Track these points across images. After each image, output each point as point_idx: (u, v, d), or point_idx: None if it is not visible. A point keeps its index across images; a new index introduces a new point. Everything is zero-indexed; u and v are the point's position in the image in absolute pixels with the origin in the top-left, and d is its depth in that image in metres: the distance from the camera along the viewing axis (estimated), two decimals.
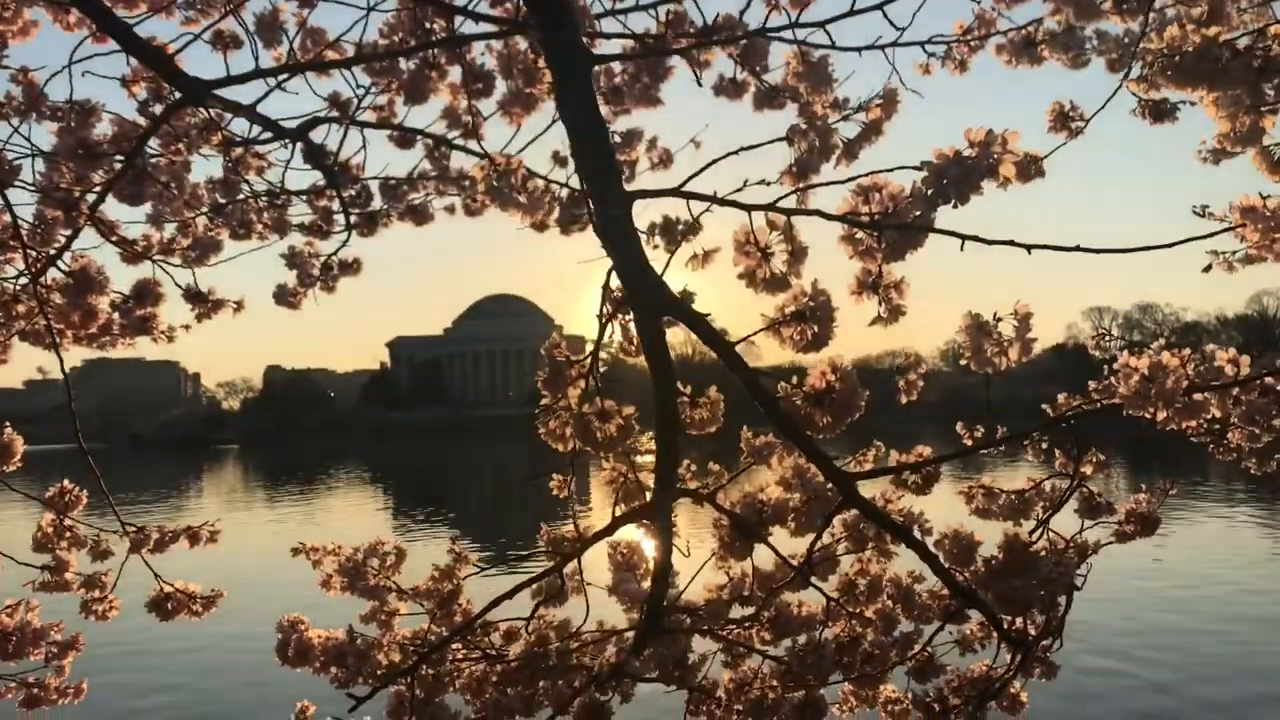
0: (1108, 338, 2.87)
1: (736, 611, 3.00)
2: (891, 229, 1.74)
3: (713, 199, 1.95)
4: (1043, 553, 2.35)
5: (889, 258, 1.81)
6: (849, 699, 3.19)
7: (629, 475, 2.54)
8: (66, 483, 2.82)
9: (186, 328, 3.61)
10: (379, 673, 2.87)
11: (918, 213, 1.72)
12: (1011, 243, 1.84)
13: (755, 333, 1.89)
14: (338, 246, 4.04)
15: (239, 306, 3.49)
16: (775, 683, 2.96)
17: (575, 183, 3.66)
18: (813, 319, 1.84)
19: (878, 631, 2.92)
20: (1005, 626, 2.70)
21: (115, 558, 3.02)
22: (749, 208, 1.90)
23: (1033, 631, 2.80)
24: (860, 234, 1.82)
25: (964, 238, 1.80)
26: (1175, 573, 17.21)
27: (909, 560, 2.82)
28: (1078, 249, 1.84)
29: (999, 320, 1.91)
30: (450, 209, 4.16)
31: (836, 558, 2.84)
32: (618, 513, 2.50)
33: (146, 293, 3.36)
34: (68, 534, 2.76)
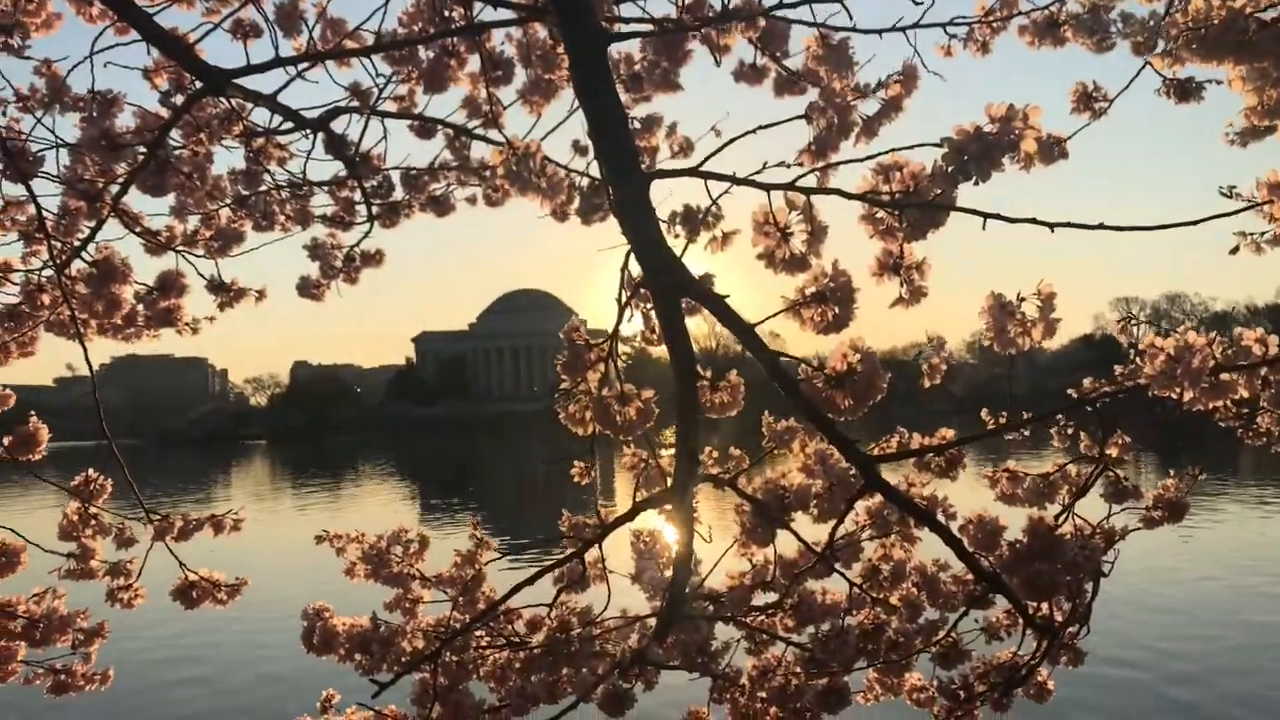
0: (1134, 322, 2.84)
1: (759, 599, 2.99)
2: (913, 208, 1.73)
3: (731, 179, 1.94)
4: (1068, 537, 2.32)
5: (910, 237, 1.80)
6: (874, 687, 3.17)
7: (650, 461, 2.54)
8: (91, 471, 2.84)
9: (210, 319, 3.63)
10: (403, 660, 2.88)
11: (939, 191, 1.70)
12: (1035, 221, 1.82)
13: (775, 314, 1.87)
14: (360, 238, 4.05)
15: (261, 295, 3.50)
16: (799, 670, 2.95)
17: (596, 171, 3.66)
18: (833, 300, 1.83)
19: (902, 619, 2.90)
20: (1031, 613, 2.67)
21: (140, 547, 3.05)
22: (768, 187, 1.88)
23: (1059, 618, 2.78)
24: (881, 213, 1.80)
25: (986, 216, 1.78)
26: (1202, 561, 17.07)
27: (933, 547, 2.80)
28: (1101, 226, 1.82)
29: (1022, 300, 1.89)
30: (472, 200, 4.16)
31: (860, 545, 2.82)
32: (639, 498, 2.49)
33: (170, 284, 3.37)
34: (93, 521, 2.78)
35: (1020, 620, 2.82)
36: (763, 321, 1.92)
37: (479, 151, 3.89)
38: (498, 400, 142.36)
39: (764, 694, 3.11)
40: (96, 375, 3.13)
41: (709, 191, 2.02)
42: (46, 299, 2.88)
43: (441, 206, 4.08)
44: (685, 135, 3.72)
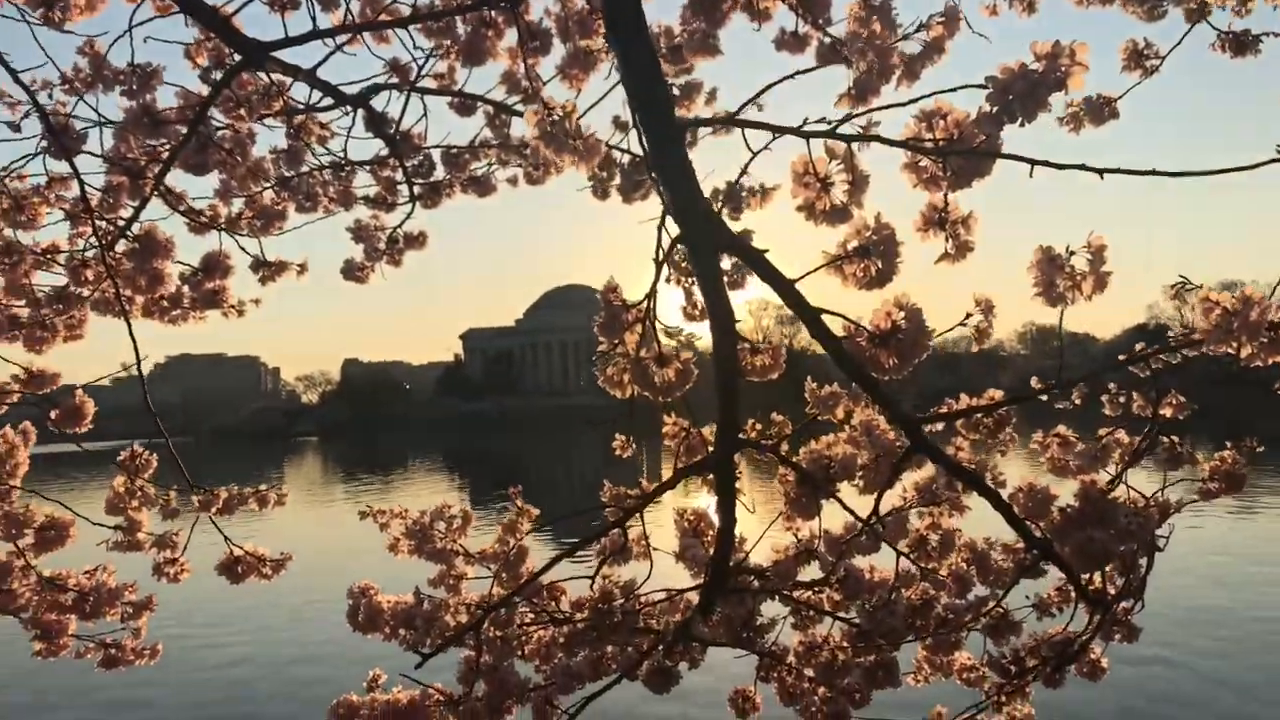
0: (1188, 287, 2.76)
1: (805, 574, 2.94)
2: (957, 155, 1.68)
3: (770, 127, 1.90)
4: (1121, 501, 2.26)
5: (955, 185, 1.75)
6: (922, 667, 3.12)
7: (691, 430, 2.50)
8: (137, 446, 2.86)
9: (256, 302, 3.65)
10: (446, 634, 2.87)
11: (984, 136, 1.65)
12: (1084, 167, 1.76)
13: (816, 269, 1.83)
14: (402, 219, 4.05)
15: (302, 269, 3.52)
16: (846, 645, 2.90)
17: (636, 148, 3.63)
18: (876, 254, 1.78)
19: (951, 594, 2.85)
20: (1084, 584, 2.61)
21: (186, 524, 3.07)
22: (808, 134, 1.84)
23: (1112, 592, 2.71)
24: (924, 161, 1.76)
25: (1032, 162, 1.73)
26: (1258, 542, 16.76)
27: (981, 524, 2.75)
28: (1153, 173, 1.76)
29: (1072, 254, 1.84)
30: (513, 180, 4.15)
31: (906, 518, 2.77)
32: (680, 466, 2.46)
33: (215, 265, 3.39)
34: (139, 493, 2.80)
35: (1072, 595, 2.76)
36: (803, 277, 1.88)
37: (519, 130, 3.88)
38: (545, 396, 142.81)
39: (811, 671, 3.07)
40: (152, 375, 3.17)
41: (747, 142, 1.98)
42: (90, 274, 2.90)
43: (482, 187, 4.08)
44: (725, 111, 3.68)
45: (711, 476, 2.44)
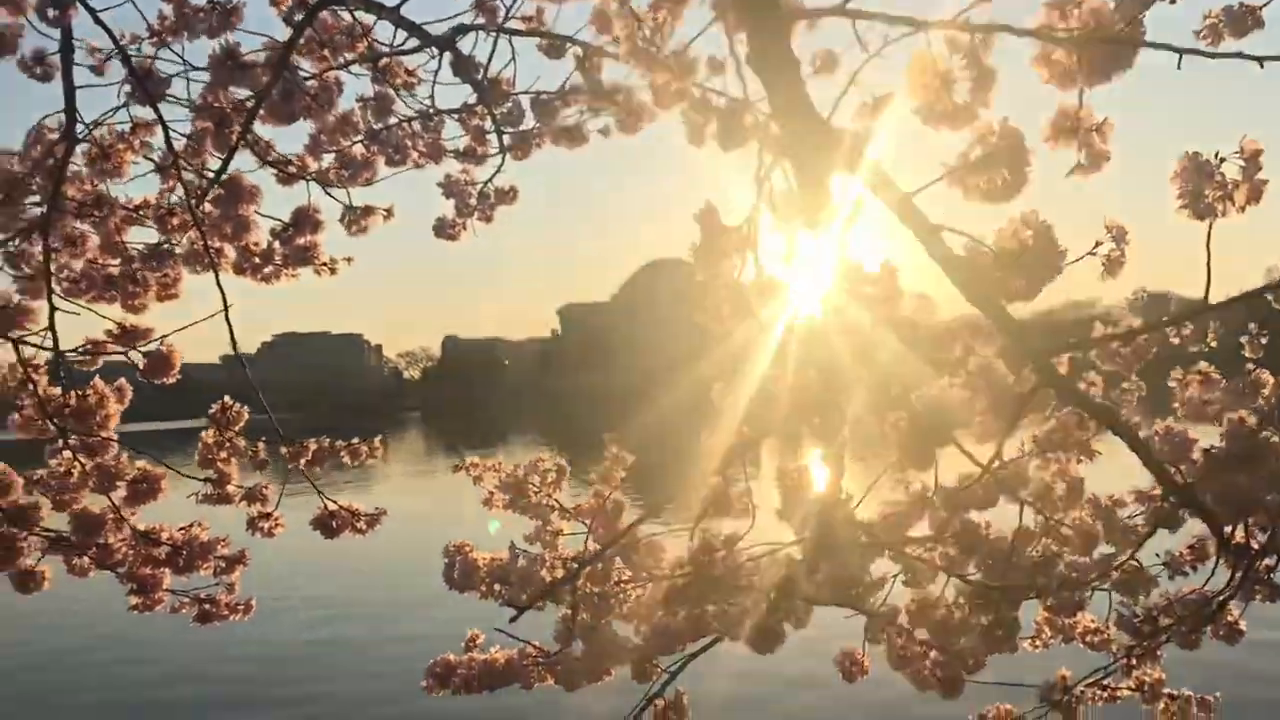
0: None
1: (917, 530, 2.79)
2: (1094, 41, 1.50)
3: (884, 17, 1.73)
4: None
5: (1091, 80, 1.57)
6: (1043, 630, 2.96)
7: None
8: (227, 399, 2.83)
9: (349, 260, 3.60)
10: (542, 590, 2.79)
11: (1124, 24, 1.47)
12: (1241, 55, 1.57)
13: (936, 180, 1.67)
14: (493, 172, 3.97)
15: (389, 214, 3.45)
16: (962, 603, 2.75)
17: (735, 90, 3.48)
18: (1002, 162, 1.61)
19: (1075, 550, 2.67)
20: (1226, 535, 2.40)
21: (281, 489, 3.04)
22: (927, 25, 1.67)
23: (1255, 546, 2.51)
24: (1057, 53, 1.58)
25: (1180, 51, 1.54)
26: None
27: (1105, 478, 2.57)
28: None
29: (1222, 160, 1.64)
30: (604, 130, 4.03)
31: (1028, 468, 2.60)
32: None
33: (305, 219, 3.34)
34: (228, 445, 2.77)
35: (1206, 554, 2.57)
36: (919, 190, 1.71)
37: (610, 75, 3.75)
38: (641, 369, 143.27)
39: (923, 633, 2.92)
40: (259, 352, 3.17)
41: (858, 35, 1.81)
42: (176, 220, 2.87)
43: (573, 137, 3.96)
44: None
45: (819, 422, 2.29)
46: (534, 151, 3.92)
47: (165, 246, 3.10)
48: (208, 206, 2.97)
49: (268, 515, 2.92)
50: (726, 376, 2.60)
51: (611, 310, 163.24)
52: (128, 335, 2.83)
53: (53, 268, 2.79)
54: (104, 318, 2.89)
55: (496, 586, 2.88)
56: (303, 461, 2.83)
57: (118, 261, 3.10)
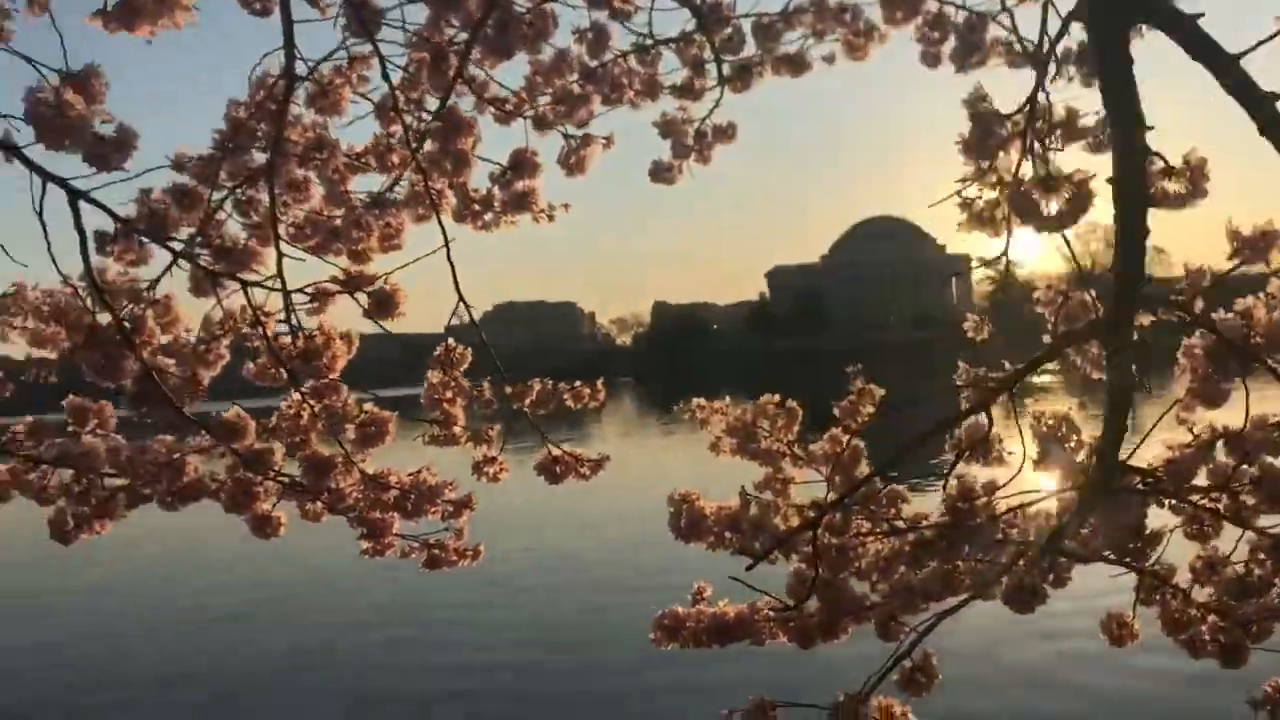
0: None
1: (1205, 477, 2.45)
2: None
3: None
4: None
5: None
6: None
7: (1067, 293, 2.04)
8: (451, 341, 2.78)
9: (565, 206, 3.51)
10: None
11: None
12: None
13: (1267, 39, 1.36)
14: (712, 106, 3.79)
15: (608, 142, 3.32)
16: (1263, 557, 2.40)
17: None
18: None
19: None
20: None
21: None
22: None
23: None
24: None
25: None
26: None
27: None
28: None
29: None
30: (829, 58, 3.78)
31: None
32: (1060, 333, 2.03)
33: (523, 163, 3.26)
34: (453, 384, 2.72)
35: None
36: (1246, 53, 1.41)
37: None
38: (855, 332, 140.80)
39: (1204, 594, 2.59)
40: (481, 320, 3.11)
41: None
42: (396, 158, 2.82)
43: (796, 66, 3.73)
44: None
45: (1096, 351, 1.99)
46: (754, 82, 3.72)
47: (387, 194, 3.07)
48: (428, 145, 2.91)
49: (492, 460, 2.86)
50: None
51: (822, 273, 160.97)
52: (353, 280, 2.81)
53: (278, 214, 2.78)
54: (330, 264, 2.88)
55: (727, 535, 2.72)
56: (527, 402, 2.75)
57: (340, 211, 3.09)
